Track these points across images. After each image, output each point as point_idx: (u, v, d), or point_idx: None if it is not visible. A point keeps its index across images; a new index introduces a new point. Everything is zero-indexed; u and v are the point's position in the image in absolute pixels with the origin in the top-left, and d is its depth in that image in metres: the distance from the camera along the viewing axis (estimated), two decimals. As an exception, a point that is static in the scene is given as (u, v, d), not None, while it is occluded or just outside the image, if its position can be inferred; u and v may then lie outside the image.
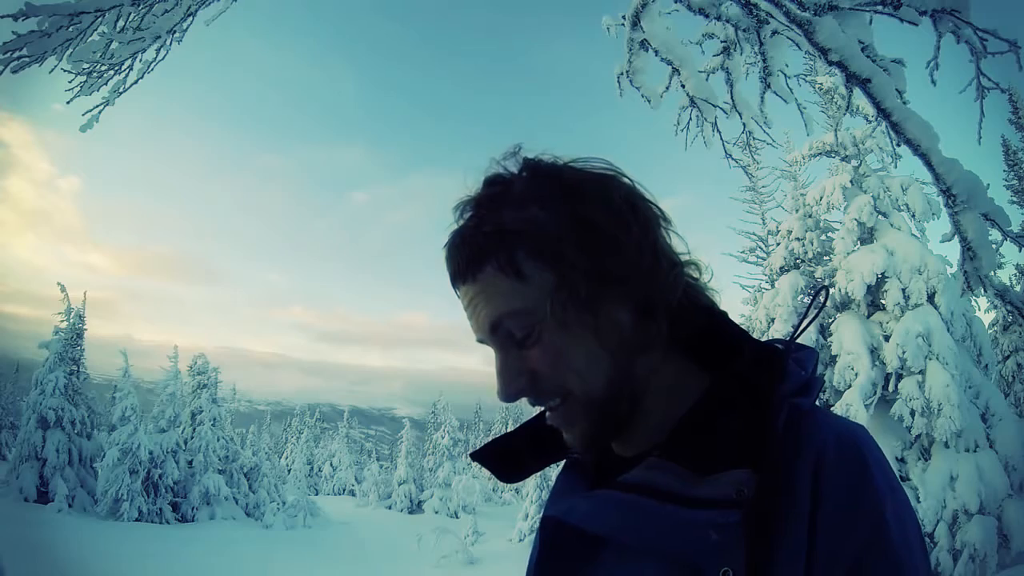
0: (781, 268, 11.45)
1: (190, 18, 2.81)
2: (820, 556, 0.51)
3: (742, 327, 0.64)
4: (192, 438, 18.36)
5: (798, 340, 0.62)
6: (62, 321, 17.51)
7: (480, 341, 0.61)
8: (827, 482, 0.52)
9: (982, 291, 2.03)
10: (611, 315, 0.57)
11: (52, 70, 2.45)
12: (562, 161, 0.60)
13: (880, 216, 10.45)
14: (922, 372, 9.26)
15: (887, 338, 9.77)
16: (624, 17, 2.67)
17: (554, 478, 0.74)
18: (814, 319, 0.63)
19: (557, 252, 0.55)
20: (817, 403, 0.60)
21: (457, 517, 22.41)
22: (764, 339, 0.65)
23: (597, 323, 0.57)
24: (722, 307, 0.66)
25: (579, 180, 0.58)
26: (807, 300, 11.26)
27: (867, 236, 10.52)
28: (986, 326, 10.76)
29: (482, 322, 0.58)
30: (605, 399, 0.59)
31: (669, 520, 0.52)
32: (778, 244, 11.87)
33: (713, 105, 2.81)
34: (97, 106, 2.80)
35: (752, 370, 0.58)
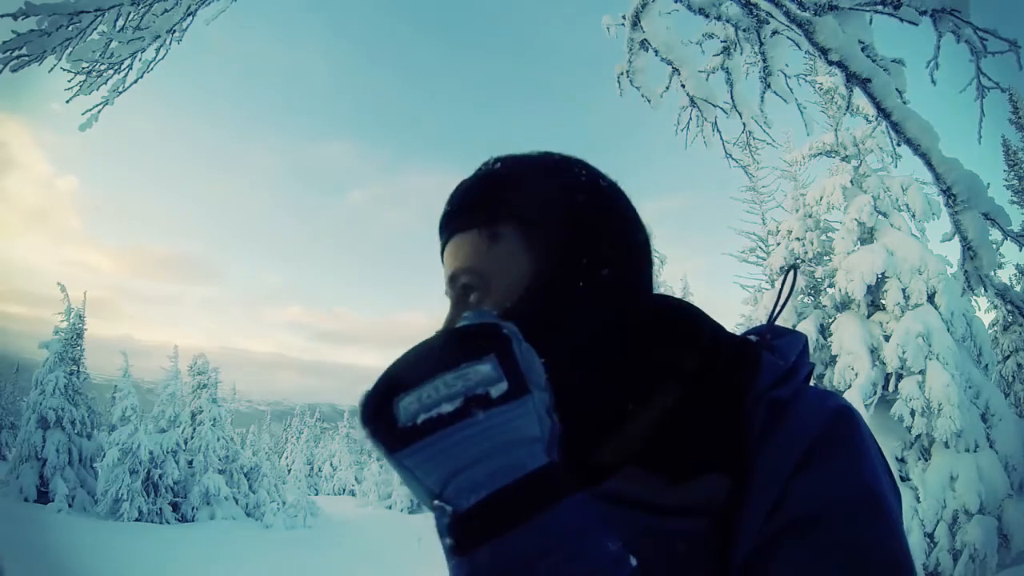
0: (781, 268, 11.45)
1: (190, 18, 2.81)
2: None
3: (716, 322, 0.61)
4: (192, 438, 18.38)
5: (779, 325, 0.59)
6: (62, 321, 17.53)
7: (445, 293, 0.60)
8: (803, 473, 0.48)
9: (982, 290, 2.03)
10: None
11: (51, 69, 2.45)
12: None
13: (880, 216, 10.45)
14: (922, 372, 9.26)
15: (887, 338, 9.77)
16: (624, 17, 2.67)
17: None
18: (786, 303, 0.60)
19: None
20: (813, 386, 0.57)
21: (457, 517, 22.35)
22: (744, 330, 0.63)
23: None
24: (722, 307, 0.64)
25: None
26: (804, 299, 11.28)
27: (867, 236, 10.52)
28: (986, 326, 10.75)
29: (446, 270, 0.59)
30: None
31: (638, 530, 0.49)
32: (778, 244, 11.87)
33: (713, 105, 2.81)
34: (96, 105, 2.80)
35: (726, 369, 0.56)
